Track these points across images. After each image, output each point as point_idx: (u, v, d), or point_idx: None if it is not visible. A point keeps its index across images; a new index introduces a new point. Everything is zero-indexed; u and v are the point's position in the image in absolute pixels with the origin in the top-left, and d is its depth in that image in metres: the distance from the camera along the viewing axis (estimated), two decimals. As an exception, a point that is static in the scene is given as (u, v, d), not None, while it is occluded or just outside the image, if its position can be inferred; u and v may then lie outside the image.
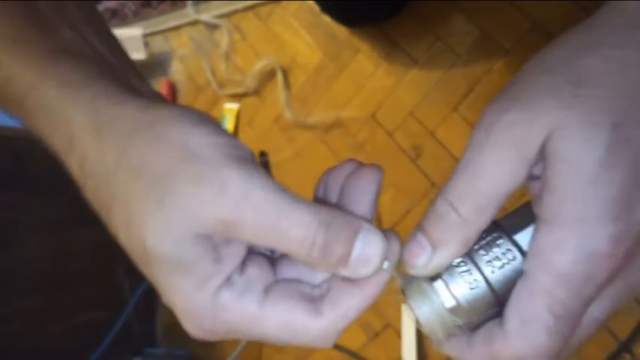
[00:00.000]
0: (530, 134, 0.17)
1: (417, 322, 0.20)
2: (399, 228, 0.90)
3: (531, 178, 0.19)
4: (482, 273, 0.19)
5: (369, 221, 0.20)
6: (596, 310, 0.19)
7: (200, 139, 0.18)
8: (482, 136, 0.19)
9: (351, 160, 0.22)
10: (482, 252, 0.19)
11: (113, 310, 1.00)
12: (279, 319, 0.19)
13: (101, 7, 1.52)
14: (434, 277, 0.20)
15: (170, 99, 1.27)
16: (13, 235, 0.88)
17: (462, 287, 0.19)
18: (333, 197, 0.21)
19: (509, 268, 0.19)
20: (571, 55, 0.18)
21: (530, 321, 0.18)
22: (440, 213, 0.19)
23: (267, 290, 0.19)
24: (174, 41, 1.31)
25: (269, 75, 1.09)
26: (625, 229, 0.17)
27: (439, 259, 0.19)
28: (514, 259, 0.19)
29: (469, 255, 0.20)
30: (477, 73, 0.84)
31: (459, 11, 0.86)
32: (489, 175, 0.18)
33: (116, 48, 0.25)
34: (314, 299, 0.20)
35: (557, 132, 0.17)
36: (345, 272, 0.18)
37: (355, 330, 0.94)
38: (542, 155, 0.18)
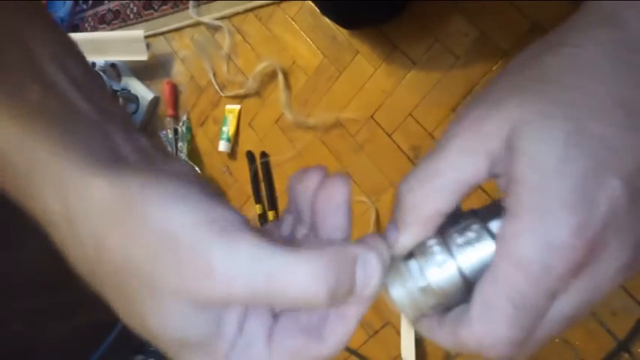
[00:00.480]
0: (494, 128, 0.18)
1: (390, 300, 0.21)
2: (399, 228, 0.91)
3: (500, 174, 0.19)
4: (454, 257, 0.20)
5: (348, 239, 0.20)
6: (563, 306, 0.18)
7: (180, 220, 0.17)
8: (450, 129, 0.20)
9: (315, 169, 0.21)
10: (456, 237, 0.20)
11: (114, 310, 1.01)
12: (289, 358, 0.19)
13: (103, 8, 1.53)
14: (408, 257, 0.20)
15: (172, 100, 1.28)
16: (13, 236, 0.88)
17: (434, 269, 0.20)
18: (306, 214, 0.21)
19: (481, 255, 0.19)
20: (536, 54, 0.20)
21: (492, 309, 0.18)
22: (401, 196, 0.20)
23: (270, 335, 0.19)
24: (176, 43, 1.32)
25: (270, 76, 1.10)
26: (586, 220, 0.17)
27: (403, 240, 0.20)
28: (487, 246, 0.19)
29: (444, 239, 0.20)
30: (476, 74, 0.84)
31: (458, 13, 0.86)
32: (450, 162, 0.19)
33: (96, 91, 0.22)
34: (315, 328, 0.19)
35: (519, 127, 0.18)
36: (351, 302, 0.18)
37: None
38: (507, 150, 0.18)
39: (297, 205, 0.22)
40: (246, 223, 0.18)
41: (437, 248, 0.20)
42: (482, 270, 0.19)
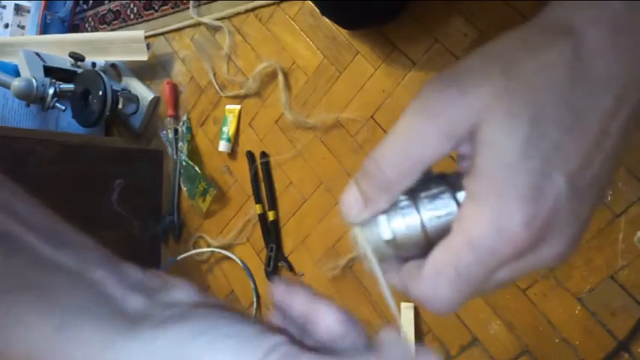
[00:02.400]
0: (462, 115, 0.19)
1: (355, 243, 0.23)
2: (399, 228, 0.91)
3: (462, 156, 0.21)
4: (421, 218, 0.22)
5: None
6: (502, 275, 0.21)
7: None
8: (418, 107, 0.20)
9: (303, 291, 0.21)
10: (426, 200, 0.22)
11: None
12: None
13: (104, 8, 1.54)
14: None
15: (172, 100, 1.28)
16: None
17: (400, 225, 0.22)
18: (296, 319, 0.21)
19: (444, 220, 0.21)
20: (511, 47, 0.20)
21: (439, 272, 0.21)
22: (370, 173, 0.21)
23: None
24: (177, 43, 1.32)
25: (270, 76, 1.10)
26: (534, 213, 0.19)
27: (369, 213, 0.22)
28: (451, 213, 0.21)
29: (414, 199, 0.22)
30: (476, 74, 0.84)
31: (458, 13, 0.86)
32: (418, 145, 0.20)
33: (67, 237, 0.21)
34: None
35: (486, 117, 0.19)
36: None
37: (355, 329, 0.94)
38: (470, 135, 0.20)
39: (287, 320, 0.22)
40: (291, 343, 0.18)
41: (407, 208, 0.22)
42: (442, 234, 0.21)
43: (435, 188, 0.22)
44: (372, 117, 0.95)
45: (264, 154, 1.10)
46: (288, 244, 1.06)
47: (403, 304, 0.88)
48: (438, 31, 0.88)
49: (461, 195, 0.21)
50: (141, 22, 1.41)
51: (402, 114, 0.21)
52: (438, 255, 0.21)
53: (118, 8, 1.49)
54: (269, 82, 1.10)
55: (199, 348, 0.17)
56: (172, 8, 1.32)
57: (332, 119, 0.99)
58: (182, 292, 0.21)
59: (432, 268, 0.21)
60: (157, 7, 1.37)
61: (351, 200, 0.22)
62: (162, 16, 1.35)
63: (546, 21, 0.21)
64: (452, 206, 0.21)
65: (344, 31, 1.00)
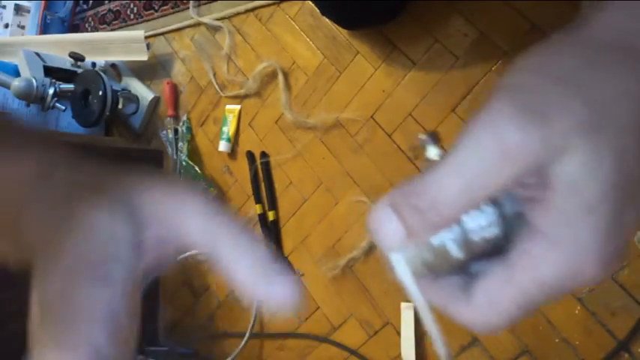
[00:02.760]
0: (540, 151, 0.17)
1: (391, 266, 0.21)
2: (399, 228, 0.91)
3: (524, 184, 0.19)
4: (465, 240, 0.20)
5: None
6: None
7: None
8: (486, 137, 0.18)
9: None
10: (471, 222, 0.20)
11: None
12: None
13: (104, 8, 1.53)
14: None
15: (172, 100, 1.28)
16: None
17: (442, 248, 0.20)
18: None
19: (489, 242, 0.20)
20: (577, 68, 0.18)
21: (496, 304, 0.20)
22: (422, 210, 0.19)
23: None
24: (176, 43, 1.32)
25: (270, 77, 1.10)
26: (610, 255, 0.18)
27: (410, 244, 0.20)
28: (497, 236, 0.20)
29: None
30: (476, 74, 0.84)
31: (458, 13, 0.86)
32: (482, 184, 0.18)
33: None
34: None
35: (567, 154, 0.17)
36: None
37: (355, 328, 0.95)
38: (544, 167, 0.18)
39: None
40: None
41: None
42: (482, 252, 0.20)
43: (486, 209, 0.20)
44: (372, 117, 0.95)
45: (264, 154, 1.10)
46: (288, 244, 1.06)
47: (403, 304, 0.88)
48: (438, 31, 0.88)
49: (510, 218, 0.20)
50: (141, 22, 1.41)
51: (462, 141, 0.18)
52: (494, 286, 0.20)
53: (118, 8, 1.49)
54: (269, 82, 1.10)
55: None
56: (172, 8, 1.32)
57: (332, 119, 0.99)
58: None
59: (485, 297, 0.20)
60: (156, 7, 1.37)
61: (391, 229, 0.19)
62: (162, 16, 1.35)
63: (598, 32, 0.19)
64: (498, 228, 0.20)
65: (344, 31, 1.00)
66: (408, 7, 0.90)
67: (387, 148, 0.93)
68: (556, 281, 0.19)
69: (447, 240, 0.20)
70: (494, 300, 0.20)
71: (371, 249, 0.93)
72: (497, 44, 0.83)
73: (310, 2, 1.01)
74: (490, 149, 0.17)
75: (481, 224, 0.20)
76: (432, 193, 0.19)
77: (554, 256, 0.18)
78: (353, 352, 0.94)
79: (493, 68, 0.83)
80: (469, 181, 0.18)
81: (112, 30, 1.50)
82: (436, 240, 0.20)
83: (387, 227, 0.20)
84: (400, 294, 0.89)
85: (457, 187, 0.18)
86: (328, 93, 1.02)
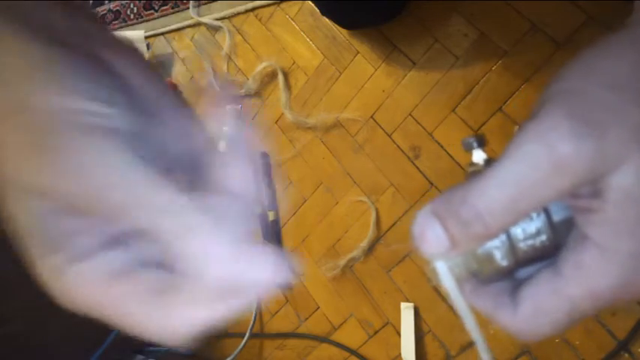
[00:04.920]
0: (597, 163, 0.16)
1: (434, 274, 0.20)
2: (398, 227, 0.91)
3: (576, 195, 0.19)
4: (510, 247, 0.20)
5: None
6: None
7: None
8: (537, 148, 0.17)
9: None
10: (519, 229, 0.20)
11: (115, 309, 1.01)
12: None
13: (103, 8, 1.54)
14: None
15: (172, 100, 1.28)
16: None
17: (487, 256, 0.20)
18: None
19: (535, 248, 0.20)
20: (632, 74, 0.17)
21: (544, 314, 0.19)
22: (467, 221, 0.18)
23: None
24: (176, 43, 1.32)
25: (270, 76, 1.10)
26: None
27: (454, 254, 0.19)
28: (543, 243, 0.20)
29: None
30: (476, 74, 0.84)
31: (458, 13, 0.86)
32: (533, 196, 0.17)
33: None
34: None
35: (622, 166, 0.16)
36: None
37: (355, 328, 0.95)
38: (595, 180, 0.17)
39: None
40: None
41: None
42: (529, 260, 0.20)
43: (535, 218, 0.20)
44: (372, 117, 0.95)
45: (264, 155, 1.10)
46: (288, 244, 1.06)
47: (403, 304, 0.88)
48: (438, 31, 0.88)
49: (559, 225, 0.19)
50: (141, 22, 1.41)
51: (510, 150, 0.17)
52: (543, 296, 0.19)
53: (117, 8, 1.49)
54: (269, 82, 1.10)
55: None
56: (172, 8, 1.32)
57: (332, 119, 0.99)
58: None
59: (532, 307, 0.20)
60: (156, 7, 1.37)
61: (433, 237, 0.18)
62: (162, 16, 1.35)
63: None
64: (546, 235, 0.19)
65: (344, 31, 1.00)
66: (408, 7, 0.90)
67: (387, 148, 0.93)
68: (610, 294, 0.18)
69: (493, 248, 0.20)
70: (541, 309, 0.19)
71: (371, 249, 0.93)
72: (497, 44, 0.83)
73: (310, 2, 1.01)
74: (541, 160, 0.16)
75: (529, 232, 0.19)
76: (478, 204, 0.17)
77: (609, 268, 0.18)
78: (353, 352, 0.94)
79: (493, 68, 0.83)
80: (518, 193, 0.17)
81: (112, 30, 1.50)
82: (481, 248, 0.20)
83: (430, 236, 0.18)
84: (400, 294, 0.89)
85: (505, 198, 0.17)
86: (328, 93, 1.02)
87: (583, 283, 0.18)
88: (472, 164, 0.21)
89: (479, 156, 0.21)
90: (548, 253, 0.20)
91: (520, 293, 0.20)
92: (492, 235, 0.18)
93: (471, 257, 0.20)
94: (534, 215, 0.19)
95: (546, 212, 0.19)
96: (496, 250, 0.20)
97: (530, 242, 0.19)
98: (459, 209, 0.18)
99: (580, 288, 0.19)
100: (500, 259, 0.20)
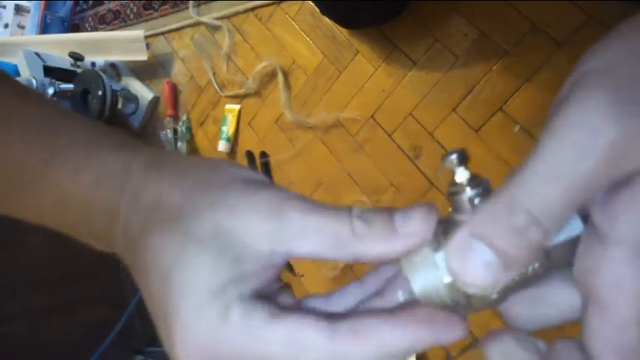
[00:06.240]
0: (633, 149, 0.15)
1: (408, 287, 0.18)
2: (399, 228, 0.91)
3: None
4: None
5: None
6: None
7: (249, 172, 0.20)
8: (580, 135, 0.15)
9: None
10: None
11: (115, 309, 1.01)
12: (285, 335, 0.17)
13: (103, 8, 1.53)
14: (437, 249, 0.18)
15: (172, 100, 1.28)
16: (16, 233, 0.89)
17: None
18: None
19: (527, 276, 0.17)
20: None
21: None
22: (520, 229, 0.15)
23: (277, 307, 0.18)
24: (176, 42, 1.32)
25: (270, 76, 1.10)
26: None
27: (508, 279, 0.16)
28: (536, 272, 0.17)
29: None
30: (476, 74, 0.84)
31: (458, 13, 0.86)
32: (582, 186, 0.15)
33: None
34: (331, 317, 0.17)
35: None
36: (397, 240, 0.17)
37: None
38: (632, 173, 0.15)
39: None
40: None
41: None
42: (520, 288, 0.18)
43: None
44: (372, 116, 0.95)
45: (263, 154, 1.10)
46: (288, 244, 1.06)
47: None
48: (438, 30, 0.88)
49: (554, 249, 0.17)
50: (140, 22, 1.41)
51: (549, 139, 0.15)
52: (602, 330, 0.16)
53: (117, 8, 1.49)
54: (269, 81, 1.10)
55: None
56: (172, 8, 1.32)
57: (332, 119, 0.99)
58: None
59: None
60: (156, 7, 1.36)
61: (478, 266, 0.16)
62: (161, 16, 1.35)
63: None
64: (539, 261, 0.17)
65: (344, 31, 1.00)
66: (408, 7, 0.90)
67: (387, 147, 0.93)
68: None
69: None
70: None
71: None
72: (497, 44, 0.83)
73: (310, 2, 1.01)
74: (590, 147, 0.15)
75: (570, 235, 0.17)
76: (530, 205, 0.15)
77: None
78: (353, 352, 0.94)
79: (493, 68, 0.83)
80: (573, 188, 0.15)
81: (112, 30, 1.50)
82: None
83: (476, 265, 0.16)
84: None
85: (560, 195, 0.15)
86: (328, 92, 1.02)
87: (622, 294, 0.15)
88: (454, 184, 0.18)
89: (462, 175, 0.18)
90: (539, 279, 0.18)
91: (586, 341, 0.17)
92: (549, 239, 0.16)
93: (456, 290, 0.17)
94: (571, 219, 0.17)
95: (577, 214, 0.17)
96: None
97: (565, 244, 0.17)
98: (508, 217, 0.15)
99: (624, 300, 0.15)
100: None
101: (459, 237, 0.16)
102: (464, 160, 0.18)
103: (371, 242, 0.17)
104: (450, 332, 0.18)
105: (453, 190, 0.18)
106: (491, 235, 0.15)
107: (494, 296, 0.17)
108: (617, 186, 0.15)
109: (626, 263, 0.15)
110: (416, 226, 0.17)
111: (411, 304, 0.18)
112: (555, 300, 0.18)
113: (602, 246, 0.15)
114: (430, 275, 0.18)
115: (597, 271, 0.16)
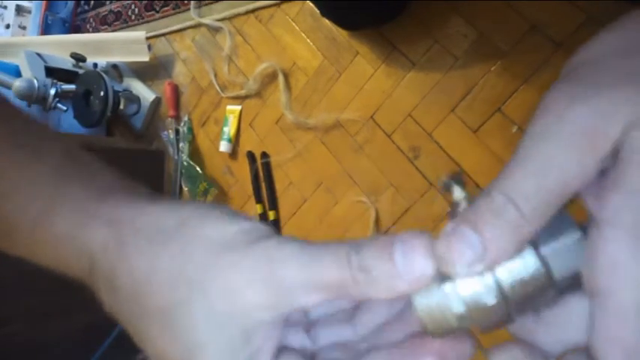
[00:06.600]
0: (607, 127, 0.15)
1: (414, 311, 0.18)
2: (398, 227, 0.91)
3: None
4: (500, 287, 0.17)
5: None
6: None
7: (231, 229, 0.19)
8: (550, 125, 0.16)
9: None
10: (548, 237, 0.17)
11: (116, 309, 1.01)
12: None
13: (105, 9, 1.54)
14: (444, 277, 0.17)
15: (173, 101, 1.28)
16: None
17: (473, 295, 0.17)
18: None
19: (530, 284, 0.17)
20: None
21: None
22: (497, 209, 0.16)
23: None
24: (178, 44, 1.32)
25: (270, 77, 1.10)
26: None
27: (489, 261, 0.16)
28: (539, 277, 0.17)
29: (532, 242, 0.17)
30: (475, 75, 0.84)
31: (457, 14, 0.87)
32: (557, 170, 0.15)
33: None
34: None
35: (637, 126, 0.15)
36: (400, 283, 0.17)
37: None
38: (613, 151, 0.16)
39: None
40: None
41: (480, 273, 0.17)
42: (525, 300, 0.17)
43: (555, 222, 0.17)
44: (372, 117, 0.96)
45: (264, 155, 1.10)
46: (288, 245, 1.06)
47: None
48: (437, 31, 0.89)
49: (548, 250, 0.17)
50: (142, 23, 1.42)
51: (527, 134, 0.16)
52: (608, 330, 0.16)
53: (119, 9, 1.49)
54: (269, 82, 1.11)
55: None
56: (173, 9, 1.33)
57: (332, 120, 1.00)
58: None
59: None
60: (158, 8, 1.37)
61: (461, 246, 0.16)
62: (163, 17, 1.36)
63: None
64: (539, 267, 0.17)
65: (344, 32, 1.00)
66: (407, 8, 0.90)
67: (387, 148, 0.93)
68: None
69: (480, 293, 0.17)
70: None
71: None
72: (496, 45, 0.83)
73: (310, 3, 1.01)
74: (565, 136, 0.15)
75: (514, 270, 0.17)
76: (507, 189, 0.16)
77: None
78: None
79: (492, 69, 0.83)
80: (550, 177, 0.15)
81: (113, 31, 1.51)
82: (468, 294, 0.17)
83: (460, 247, 0.16)
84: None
85: (535, 181, 0.16)
86: (328, 93, 1.02)
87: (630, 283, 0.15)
88: (454, 204, 0.18)
89: (459, 195, 0.18)
90: (546, 295, 0.17)
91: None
92: (531, 228, 0.16)
93: (456, 300, 0.17)
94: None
95: (534, 244, 0.17)
96: (484, 293, 0.17)
97: (518, 280, 0.17)
98: (487, 202, 0.16)
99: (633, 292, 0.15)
100: (490, 301, 0.17)
101: (447, 227, 0.17)
102: (460, 181, 0.19)
103: (374, 290, 0.17)
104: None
105: (453, 211, 0.19)
106: (473, 219, 0.16)
107: (494, 302, 0.17)
108: (605, 172, 0.16)
109: (621, 245, 0.15)
110: (420, 264, 0.17)
111: (421, 334, 0.19)
112: (573, 321, 0.18)
113: (597, 230, 0.15)
114: (436, 301, 0.17)
115: (595, 260, 0.15)
